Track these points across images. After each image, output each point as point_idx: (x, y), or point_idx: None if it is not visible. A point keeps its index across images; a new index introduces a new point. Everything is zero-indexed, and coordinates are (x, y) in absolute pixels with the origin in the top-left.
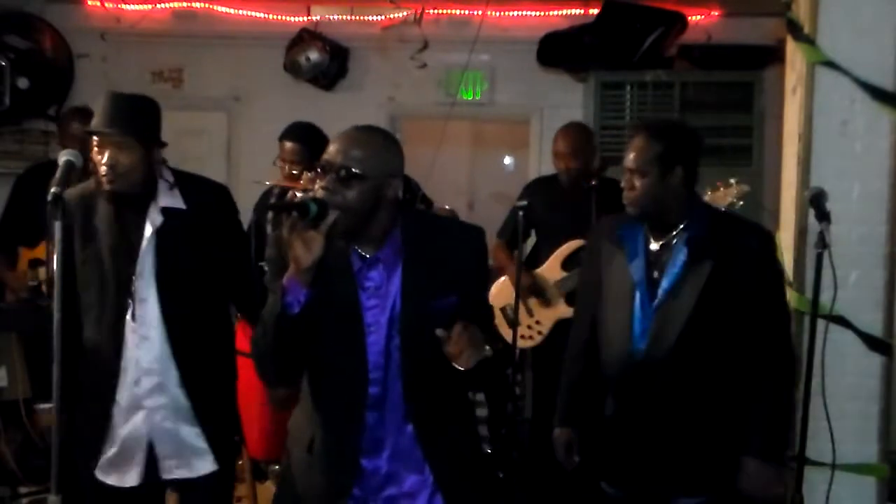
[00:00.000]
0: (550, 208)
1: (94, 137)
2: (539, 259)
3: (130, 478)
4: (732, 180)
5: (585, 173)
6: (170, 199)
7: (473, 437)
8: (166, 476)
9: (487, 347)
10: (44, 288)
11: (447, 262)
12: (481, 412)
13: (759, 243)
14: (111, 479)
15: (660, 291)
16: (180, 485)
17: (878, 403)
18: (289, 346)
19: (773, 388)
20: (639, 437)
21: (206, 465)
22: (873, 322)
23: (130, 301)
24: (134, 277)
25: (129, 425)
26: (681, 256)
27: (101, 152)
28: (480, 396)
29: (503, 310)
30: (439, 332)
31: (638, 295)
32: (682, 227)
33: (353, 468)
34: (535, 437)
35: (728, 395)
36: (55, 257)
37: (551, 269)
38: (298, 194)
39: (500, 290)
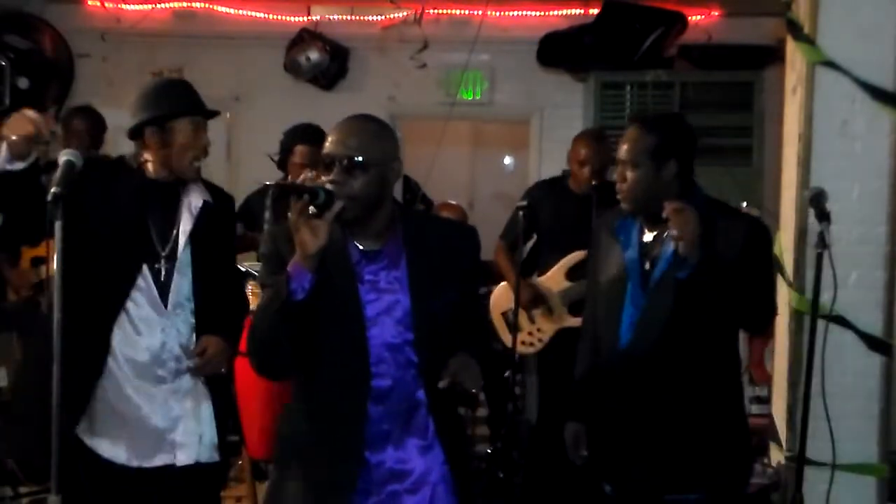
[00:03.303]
0: (555, 212)
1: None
2: (539, 262)
3: None
4: (743, 204)
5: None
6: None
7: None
8: None
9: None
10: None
11: (445, 260)
12: (481, 412)
13: (747, 230)
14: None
15: (651, 283)
16: None
17: (878, 403)
18: (292, 336)
19: None
20: (630, 433)
21: None
22: (873, 322)
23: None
24: (162, 258)
25: None
26: (670, 247)
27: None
28: (481, 396)
29: (504, 315)
30: (442, 384)
31: (630, 287)
32: None
33: (357, 462)
34: (540, 442)
35: (715, 388)
36: (55, 257)
37: (555, 279)
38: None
39: (501, 296)
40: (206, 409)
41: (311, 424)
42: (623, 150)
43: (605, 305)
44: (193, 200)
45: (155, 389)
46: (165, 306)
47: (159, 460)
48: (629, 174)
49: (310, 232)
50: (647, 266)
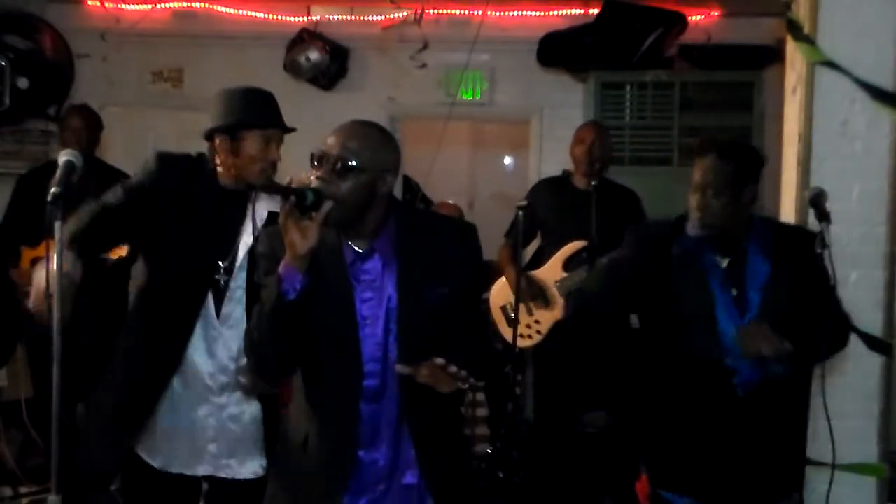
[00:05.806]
0: (556, 210)
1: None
2: (543, 260)
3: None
4: None
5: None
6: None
7: (463, 437)
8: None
9: (460, 383)
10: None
11: (440, 258)
12: (481, 412)
13: (816, 246)
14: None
15: (750, 306)
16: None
17: (878, 403)
18: (286, 336)
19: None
20: (735, 449)
21: None
22: (873, 322)
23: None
24: (222, 269)
25: None
26: (763, 268)
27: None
28: (481, 396)
29: (503, 308)
30: (400, 367)
31: (724, 312)
32: (747, 241)
33: (350, 461)
34: (537, 437)
35: (802, 394)
36: (55, 256)
37: (552, 270)
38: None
39: (500, 290)
40: (252, 429)
41: (308, 424)
42: (701, 175)
43: (694, 332)
44: (260, 210)
45: (202, 400)
46: (218, 318)
47: (201, 470)
48: (713, 202)
49: (299, 233)
50: (734, 291)
